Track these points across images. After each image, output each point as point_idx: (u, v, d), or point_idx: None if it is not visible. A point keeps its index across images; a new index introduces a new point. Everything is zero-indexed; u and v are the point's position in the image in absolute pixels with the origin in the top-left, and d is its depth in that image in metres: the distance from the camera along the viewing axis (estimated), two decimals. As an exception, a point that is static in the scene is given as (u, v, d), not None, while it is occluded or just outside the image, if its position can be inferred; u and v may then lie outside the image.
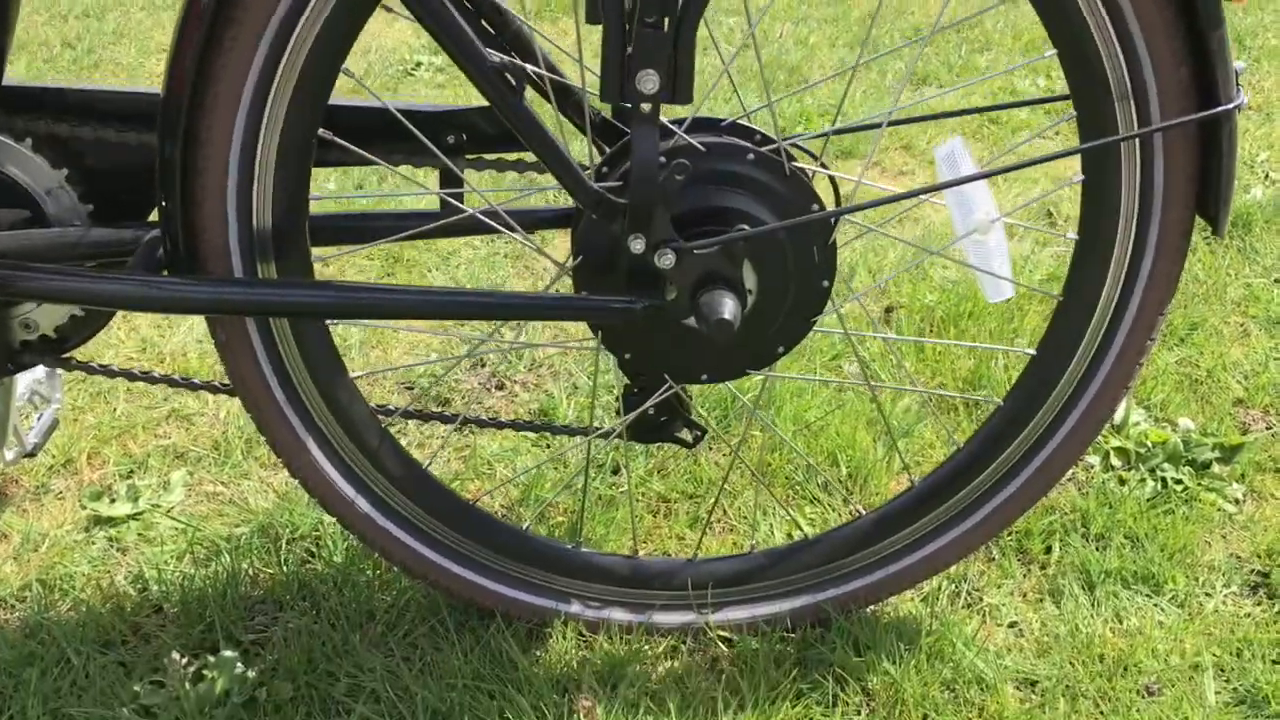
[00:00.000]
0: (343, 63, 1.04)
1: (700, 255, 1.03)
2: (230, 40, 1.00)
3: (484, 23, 1.15)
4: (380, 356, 1.80)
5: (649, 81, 0.94)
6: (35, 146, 1.12)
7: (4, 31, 1.06)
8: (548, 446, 1.59)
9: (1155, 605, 1.34)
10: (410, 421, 1.59)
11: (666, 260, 1.02)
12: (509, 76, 0.96)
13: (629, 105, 0.97)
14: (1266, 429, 1.63)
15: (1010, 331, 1.80)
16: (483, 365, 1.77)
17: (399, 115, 1.12)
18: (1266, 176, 2.33)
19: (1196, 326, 1.83)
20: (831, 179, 1.16)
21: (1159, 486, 1.51)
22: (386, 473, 1.21)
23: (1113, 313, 1.15)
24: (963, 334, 1.81)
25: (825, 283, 1.11)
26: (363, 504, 1.22)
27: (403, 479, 1.22)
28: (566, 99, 1.18)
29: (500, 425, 1.33)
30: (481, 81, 0.96)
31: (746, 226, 1.05)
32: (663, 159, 1.02)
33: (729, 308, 1.01)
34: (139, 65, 3.08)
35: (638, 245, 1.01)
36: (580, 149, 1.21)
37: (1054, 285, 1.93)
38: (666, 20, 0.93)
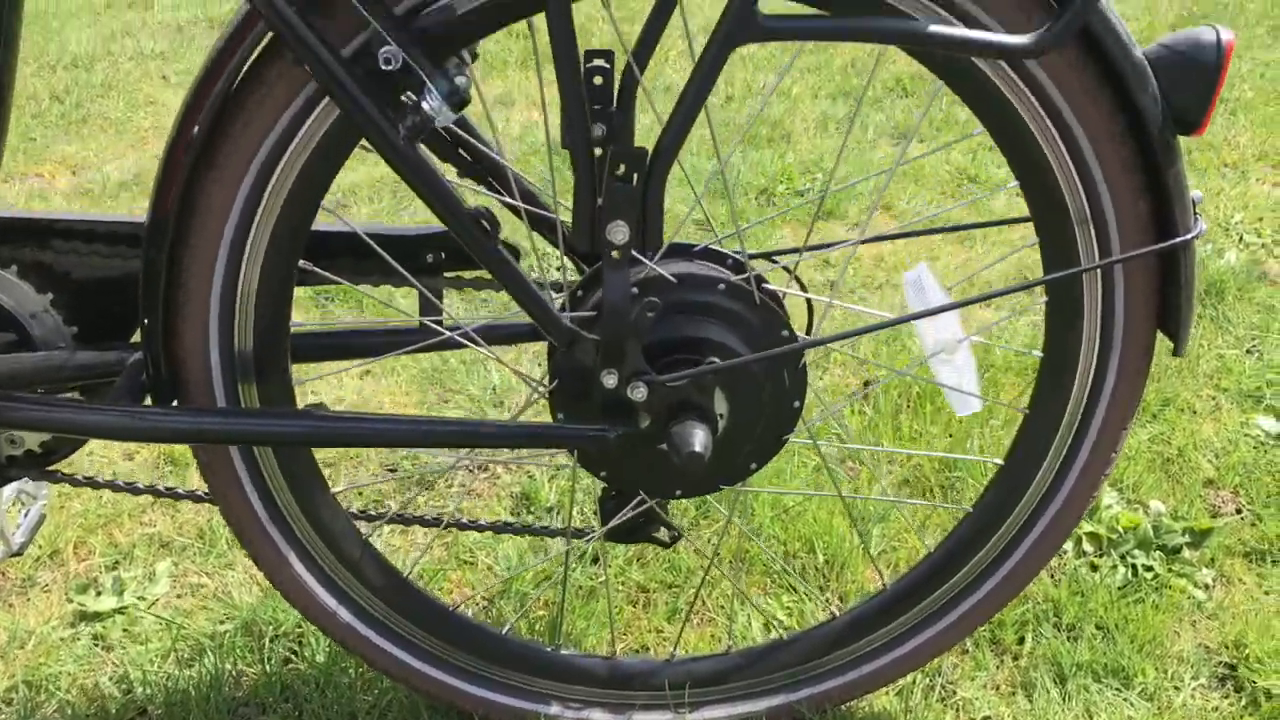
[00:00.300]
0: (323, 198, 1.07)
1: (672, 386, 1.06)
2: (214, 177, 1.02)
3: (461, 151, 1.19)
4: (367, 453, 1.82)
5: (619, 233, 0.96)
6: (21, 273, 1.15)
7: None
8: (529, 533, 1.61)
9: (1125, 700, 1.36)
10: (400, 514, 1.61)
11: (639, 393, 1.04)
12: (483, 222, 0.99)
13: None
14: (1236, 512, 1.66)
15: (985, 411, 1.83)
16: (466, 445, 1.79)
17: (373, 244, 1.14)
18: (1240, 239, 2.36)
19: (1169, 402, 1.86)
20: (807, 301, 1.18)
21: (1130, 574, 1.54)
22: (367, 583, 1.24)
23: (1077, 428, 1.18)
24: (939, 411, 1.83)
25: (796, 403, 1.14)
26: (344, 614, 1.24)
27: (383, 588, 1.24)
28: (539, 217, 1.20)
29: (480, 528, 1.36)
30: (457, 227, 0.99)
31: (717, 357, 1.07)
32: (634, 289, 1.05)
33: (699, 439, 1.04)
34: (127, 119, 3.10)
35: (610, 380, 1.04)
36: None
37: (1032, 349, 1.95)
38: (635, 175, 0.95)
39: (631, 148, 0.95)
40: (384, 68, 0.94)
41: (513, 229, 1.21)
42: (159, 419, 1.09)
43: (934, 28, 0.91)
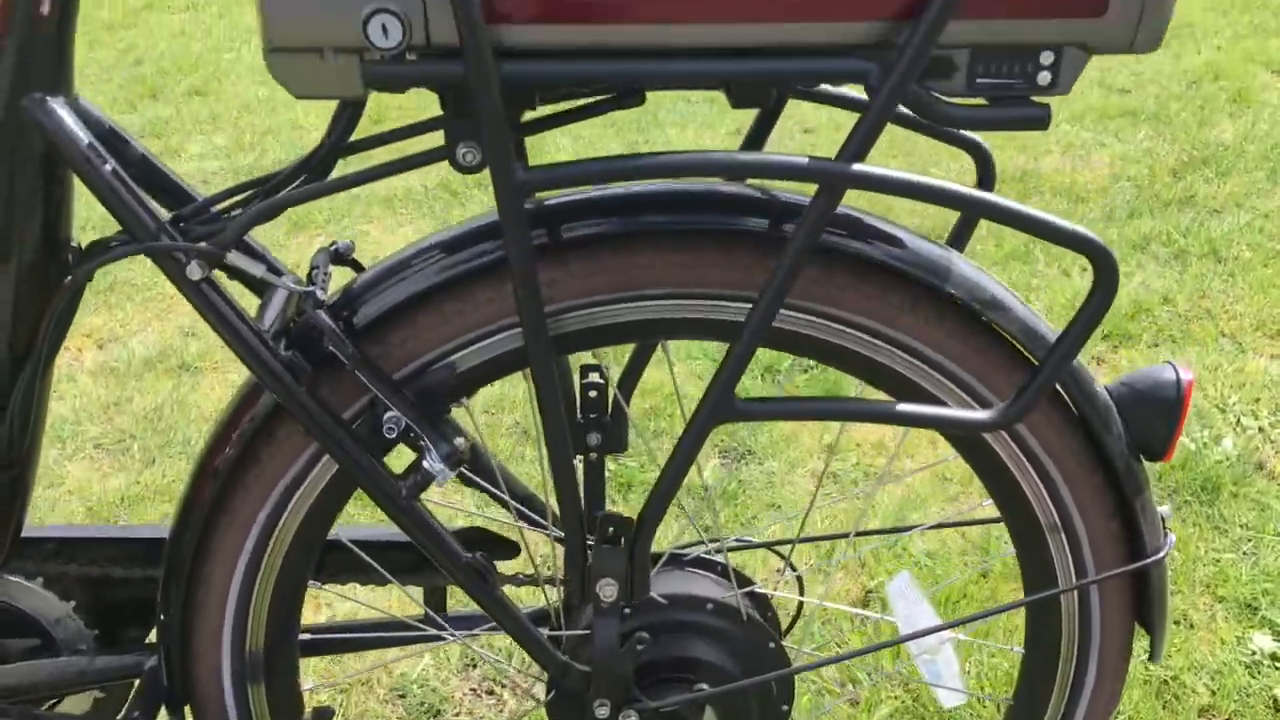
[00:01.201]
0: (335, 521, 1.13)
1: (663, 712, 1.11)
2: (231, 510, 1.09)
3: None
4: (378, 674, 1.87)
5: (609, 589, 1.02)
6: (46, 584, 1.21)
7: (23, 498, 1.14)
8: (534, 768, 1.65)
9: None
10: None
11: (630, 721, 1.09)
12: (478, 569, 1.04)
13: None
14: (1231, 743, 1.68)
15: (986, 622, 1.86)
16: (474, 667, 1.84)
17: (364, 555, 1.21)
18: (1238, 423, 2.40)
19: (1165, 616, 1.88)
20: (799, 604, 1.23)
21: (1125, 819, 1.56)
22: None
23: (1060, 722, 1.22)
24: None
25: (785, 707, 1.18)
26: None
27: None
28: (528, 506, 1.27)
29: (483, 798, 1.40)
30: (457, 575, 1.04)
31: (707, 677, 1.12)
32: (625, 609, 1.11)
33: (689, 768, 1.09)
34: (152, 284, 3.19)
35: (602, 711, 1.09)
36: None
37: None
38: (622, 539, 1.01)
39: (620, 515, 1.01)
40: (387, 436, 1.00)
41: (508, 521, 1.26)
42: (172, 744, 1.14)
43: (903, 408, 0.97)
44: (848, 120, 1.09)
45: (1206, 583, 1.97)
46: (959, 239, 1.13)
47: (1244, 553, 2.04)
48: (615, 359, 1.27)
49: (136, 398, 2.65)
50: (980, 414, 0.97)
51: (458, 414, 1.14)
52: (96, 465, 2.41)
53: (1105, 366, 2.66)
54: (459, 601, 1.40)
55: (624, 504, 2.21)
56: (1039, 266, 3.10)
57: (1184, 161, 3.82)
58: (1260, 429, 2.38)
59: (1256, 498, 2.16)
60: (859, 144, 0.86)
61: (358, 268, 1.11)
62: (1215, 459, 2.25)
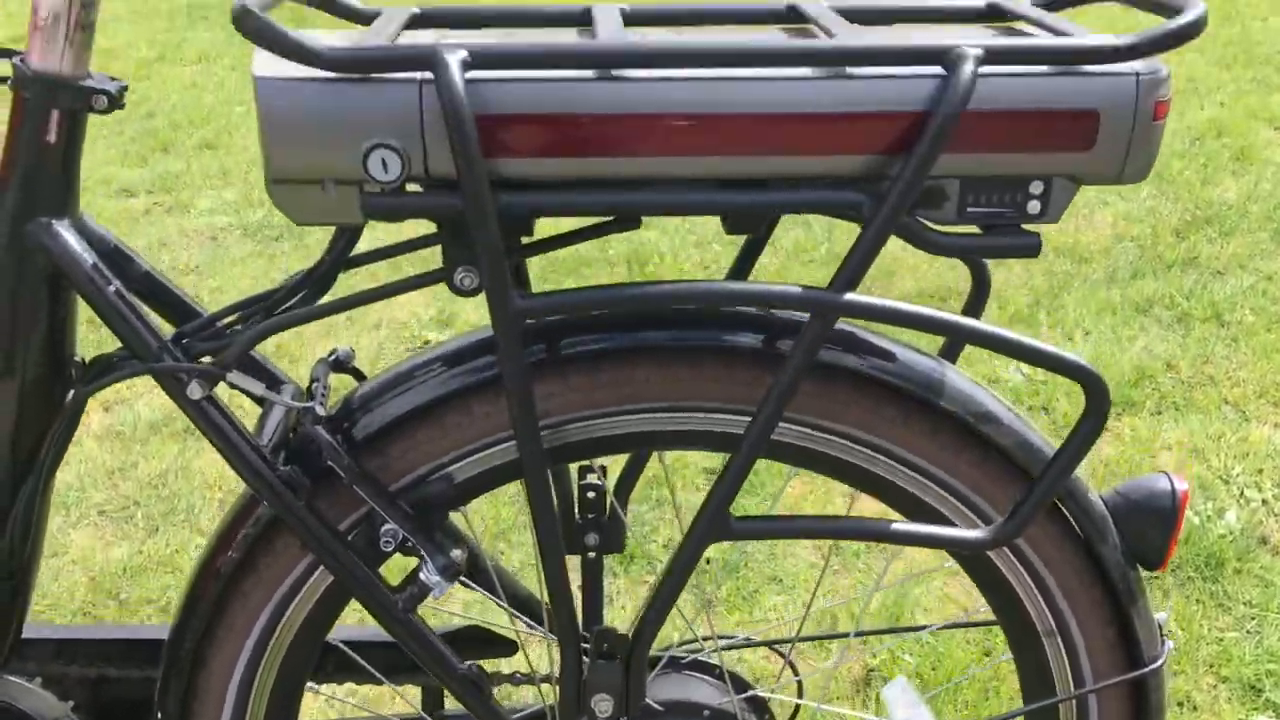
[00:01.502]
0: (332, 627, 1.13)
1: (658, 822, 1.11)
2: (227, 622, 1.09)
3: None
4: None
5: (604, 705, 1.02)
6: (45, 684, 1.21)
7: (23, 604, 1.15)
8: None
9: None
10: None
11: (626, 834, 1.09)
12: (473, 680, 1.04)
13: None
14: (1236, 833, 1.66)
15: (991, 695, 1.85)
16: (473, 747, 1.83)
17: (357, 658, 1.21)
18: (1241, 494, 2.39)
19: (1169, 695, 1.88)
20: (796, 707, 1.23)
21: None
22: None
23: (1060, 826, 1.21)
24: (941, 711, 1.86)
25: (781, 813, 1.18)
26: None
27: None
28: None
29: None
30: (449, 683, 1.05)
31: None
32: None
33: None
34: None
35: (598, 820, 1.09)
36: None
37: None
38: (617, 655, 1.01)
39: (615, 631, 1.01)
40: (384, 549, 1.01)
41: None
42: None
43: (899, 526, 0.97)
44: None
45: (1210, 662, 1.96)
46: (951, 352, 1.14)
47: (1248, 631, 2.03)
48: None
49: (141, 463, 2.66)
50: (976, 533, 0.98)
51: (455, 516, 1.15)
52: (100, 533, 2.42)
53: (1108, 434, 2.66)
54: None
55: (624, 575, 2.21)
56: (1043, 330, 3.11)
57: (1187, 221, 3.84)
58: (1264, 501, 2.37)
59: (1260, 574, 2.15)
60: (851, 273, 0.87)
61: (359, 376, 1.12)
62: (1219, 533, 2.25)
